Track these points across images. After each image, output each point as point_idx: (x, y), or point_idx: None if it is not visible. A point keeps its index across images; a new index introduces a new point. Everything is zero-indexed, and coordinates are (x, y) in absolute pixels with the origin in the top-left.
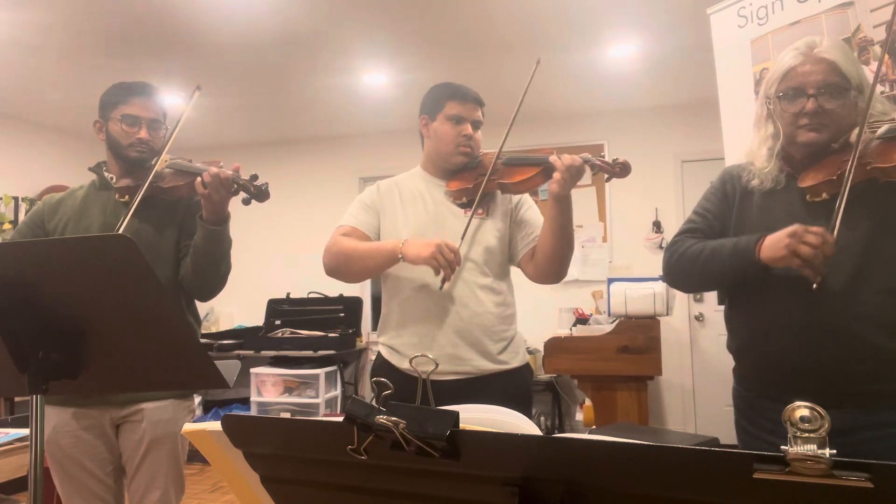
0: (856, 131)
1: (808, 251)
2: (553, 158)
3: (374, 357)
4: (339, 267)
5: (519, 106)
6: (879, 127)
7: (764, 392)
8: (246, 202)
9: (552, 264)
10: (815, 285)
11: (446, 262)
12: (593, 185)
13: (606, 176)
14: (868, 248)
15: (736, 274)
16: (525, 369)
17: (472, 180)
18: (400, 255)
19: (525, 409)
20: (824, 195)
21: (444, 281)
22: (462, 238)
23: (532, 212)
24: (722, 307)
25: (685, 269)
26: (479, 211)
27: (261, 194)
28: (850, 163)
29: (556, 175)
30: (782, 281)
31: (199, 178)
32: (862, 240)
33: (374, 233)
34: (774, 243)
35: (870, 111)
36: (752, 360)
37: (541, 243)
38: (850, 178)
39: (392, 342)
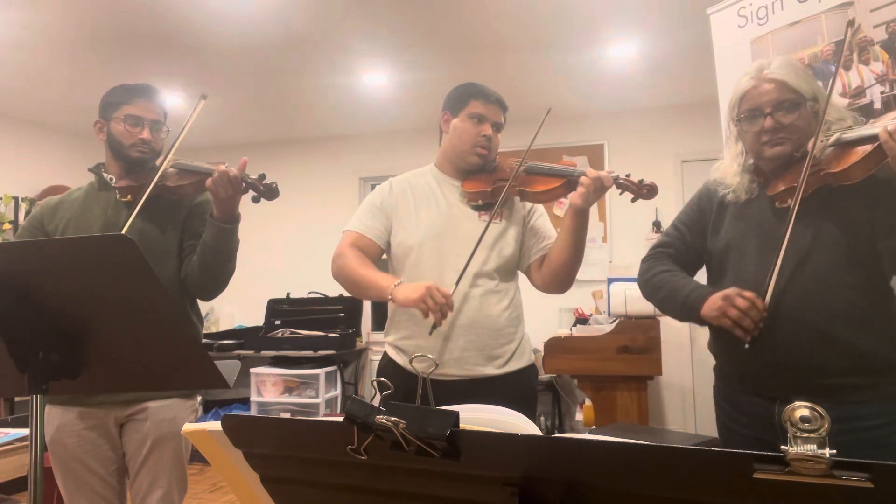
0: (811, 141)
1: (735, 314)
2: (588, 171)
3: (374, 357)
4: (341, 282)
5: (535, 136)
6: (833, 135)
7: (739, 387)
8: (255, 200)
9: (562, 276)
10: (746, 345)
11: (437, 307)
12: None
13: (632, 196)
14: (828, 246)
15: (684, 319)
16: (530, 370)
17: (491, 184)
18: (389, 297)
19: (529, 409)
20: (788, 201)
21: (434, 326)
22: (478, 243)
23: (543, 220)
24: None
25: (649, 293)
26: (497, 216)
27: (270, 192)
28: (803, 172)
29: (581, 188)
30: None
31: (207, 179)
32: (822, 239)
33: (381, 238)
34: (711, 304)
35: (827, 119)
36: (726, 357)
37: (554, 255)
38: (803, 187)
39: (399, 343)
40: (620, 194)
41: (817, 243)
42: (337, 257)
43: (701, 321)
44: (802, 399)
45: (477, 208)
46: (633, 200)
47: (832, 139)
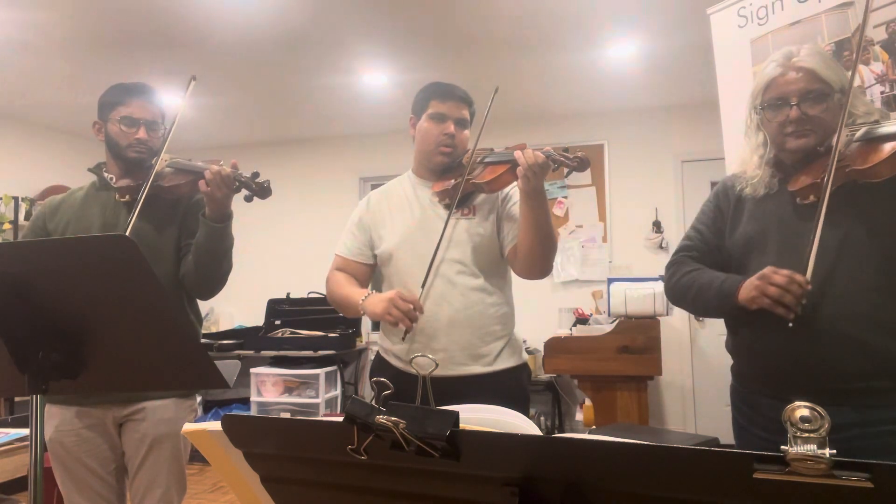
0: (836, 135)
1: (775, 291)
2: (517, 154)
3: (374, 357)
4: (333, 305)
5: (483, 122)
6: (859, 129)
7: (759, 389)
8: (248, 199)
9: (531, 261)
10: (789, 323)
11: (402, 315)
12: (593, 184)
13: (566, 171)
14: (853, 247)
15: (720, 312)
16: (520, 369)
17: (454, 181)
18: (362, 311)
19: (520, 410)
20: (811, 197)
21: (406, 332)
22: (439, 241)
23: (517, 207)
24: None
25: (678, 297)
26: (465, 211)
27: (263, 191)
28: (829, 167)
29: (519, 171)
30: None
31: (202, 178)
32: (847, 239)
33: (364, 255)
34: (747, 287)
35: (853, 111)
36: (746, 358)
37: (519, 240)
38: (830, 183)
39: (386, 343)
40: (555, 170)
41: (841, 243)
42: (326, 282)
43: (738, 309)
44: (824, 402)
45: (448, 207)
46: (567, 175)
47: (859, 133)
